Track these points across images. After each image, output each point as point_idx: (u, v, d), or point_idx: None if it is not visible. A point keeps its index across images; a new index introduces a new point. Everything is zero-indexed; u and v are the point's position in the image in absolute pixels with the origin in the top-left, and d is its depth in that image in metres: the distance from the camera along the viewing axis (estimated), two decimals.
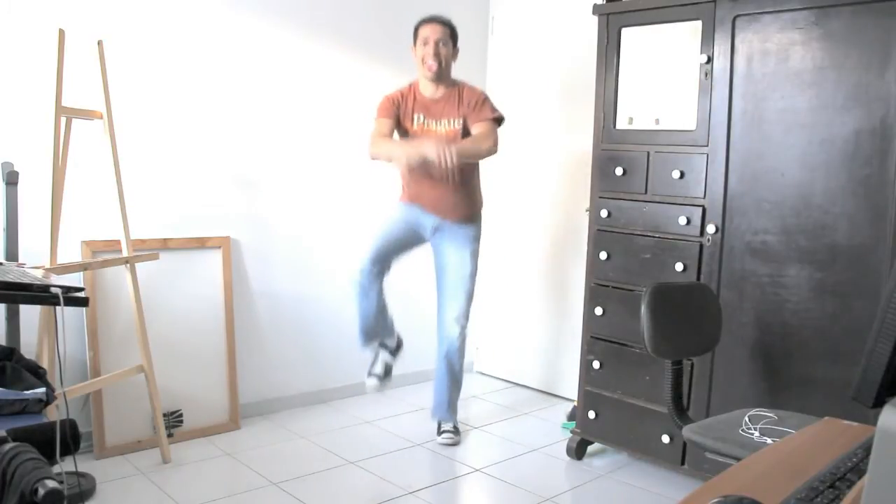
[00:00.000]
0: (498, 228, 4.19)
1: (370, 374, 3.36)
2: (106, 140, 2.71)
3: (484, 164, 4.20)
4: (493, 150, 3.08)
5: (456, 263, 3.20)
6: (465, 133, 3.11)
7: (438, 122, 3.12)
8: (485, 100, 3.14)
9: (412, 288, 3.68)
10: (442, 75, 3.11)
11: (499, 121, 3.13)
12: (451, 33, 3.13)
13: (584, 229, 3.10)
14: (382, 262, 3.16)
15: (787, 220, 2.44)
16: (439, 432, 3.31)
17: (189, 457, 2.97)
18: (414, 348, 3.57)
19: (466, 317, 3.26)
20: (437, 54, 3.06)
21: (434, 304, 3.36)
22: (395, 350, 3.42)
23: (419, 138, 3.05)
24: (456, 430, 3.31)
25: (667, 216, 2.74)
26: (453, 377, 3.30)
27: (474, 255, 3.24)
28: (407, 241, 3.22)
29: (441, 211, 3.16)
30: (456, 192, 3.14)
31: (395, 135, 3.16)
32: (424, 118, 3.12)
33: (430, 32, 3.08)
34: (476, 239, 3.25)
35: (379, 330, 3.30)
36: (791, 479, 1.03)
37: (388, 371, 3.39)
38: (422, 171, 3.02)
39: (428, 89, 3.13)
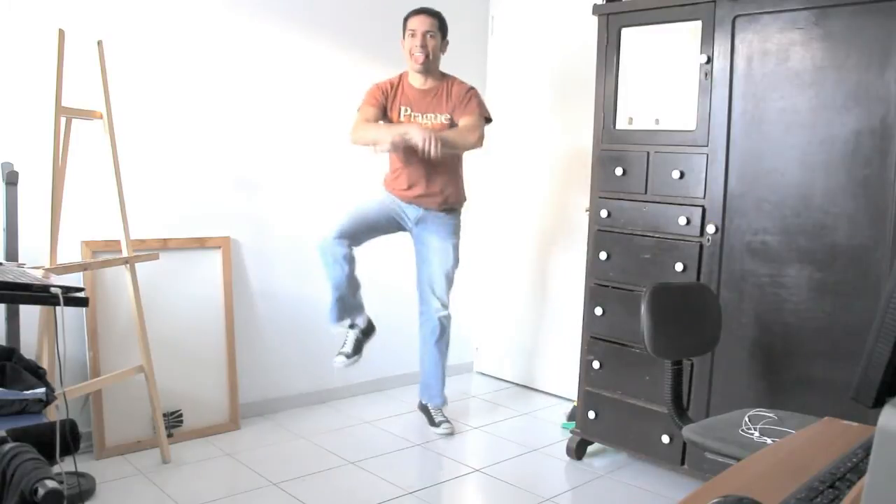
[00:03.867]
0: (498, 228, 4.19)
1: (339, 353, 3.32)
2: (106, 140, 2.71)
3: (483, 165, 4.20)
4: (478, 143, 3.12)
5: (440, 256, 3.25)
6: (452, 126, 3.15)
7: (424, 116, 3.15)
8: (472, 96, 3.17)
9: (408, 288, 3.66)
10: (430, 67, 3.13)
11: (486, 119, 3.18)
12: (440, 25, 3.15)
13: (584, 229, 3.10)
14: (351, 237, 3.17)
15: (787, 220, 2.44)
16: (435, 422, 3.34)
17: (189, 457, 2.97)
18: (413, 349, 3.56)
19: (448, 303, 3.32)
20: (424, 46, 3.08)
21: None
22: (367, 331, 3.40)
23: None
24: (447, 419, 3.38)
25: (667, 216, 2.74)
26: (444, 360, 3.37)
27: (456, 248, 3.29)
28: (380, 224, 3.25)
29: (424, 201, 3.17)
30: (438, 184, 3.18)
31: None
32: (411, 111, 3.14)
33: (418, 24, 3.10)
34: (457, 231, 3.30)
35: (350, 308, 3.28)
36: (791, 479, 1.03)
37: (357, 349, 3.34)
38: (406, 157, 3.06)
39: (416, 80, 3.16)
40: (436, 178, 3.17)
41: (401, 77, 3.20)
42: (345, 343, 3.37)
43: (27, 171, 2.68)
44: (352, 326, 3.35)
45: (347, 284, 3.20)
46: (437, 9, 3.19)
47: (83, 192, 2.87)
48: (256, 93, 3.36)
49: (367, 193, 3.34)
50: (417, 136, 2.89)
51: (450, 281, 3.30)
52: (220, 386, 3.29)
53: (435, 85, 3.17)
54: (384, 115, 3.19)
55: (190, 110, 3.17)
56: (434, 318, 3.30)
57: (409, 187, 3.19)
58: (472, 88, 3.20)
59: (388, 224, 3.26)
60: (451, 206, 3.26)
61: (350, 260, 3.17)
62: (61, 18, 2.73)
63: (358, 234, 3.19)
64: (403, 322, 3.61)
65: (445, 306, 3.31)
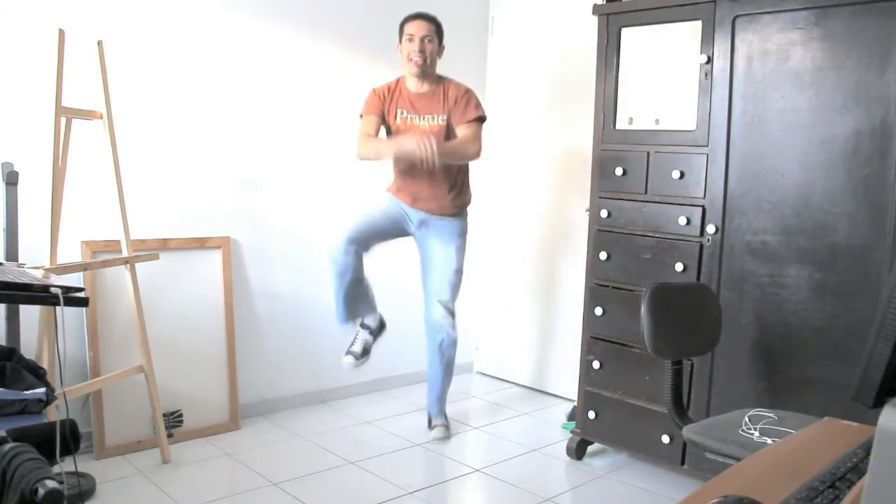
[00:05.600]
0: (497, 228, 4.19)
1: (347, 351, 3.34)
2: (106, 140, 2.71)
3: (483, 165, 4.20)
4: (477, 154, 3.12)
5: (442, 260, 3.22)
6: (449, 129, 3.13)
7: (422, 118, 3.14)
8: (469, 97, 3.15)
9: (410, 288, 3.67)
10: (427, 71, 3.13)
11: (482, 119, 3.16)
12: (437, 30, 3.15)
13: (584, 229, 3.10)
14: (360, 243, 3.17)
15: (787, 220, 2.44)
16: (431, 426, 3.34)
17: (189, 457, 2.97)
18: (413, 349, 3.57)
19: (454, 309, 3.27)
20: (422, 51, 3.08)
21: None
22: (377, 331, 3.40)
23: (402, 134, 3.09)
24: (447, 424, 3.35)
25: (667, 216, 2.74)
26: (448, 370, 3.32)
27: (460, 251, 3.25)
28: (387, 230, 3.24)
29: (427, 205, 3.17)
30: (442, 187, 3.16)
31: (382, 132, 3.19)
32: (407, 113, 3.14)
33: (416, 29, 3.10)
34: (462, 234, 3.27)
35: (358, 309, 3.29)
36: (791, 479, 1.03)
37: (366, 350, 3.36)
38: (408, 166, 3.06)
39: (413, 84, 3.16)
40: (438, 186, 3.15)
41: (398, 81, 3.20)
42: (353, 342, 3.36)
43: (27, 171, 2.68)
44: (363, 326, 3.35)
45: (354, 288, 3.20)
46: (436, 11, 3.20)
47: (83, 192, 2.87)
48: (256, 93, 3.36)
49: (370, 196, 3.34)
50: (412, 145, 2.83)
51: (454, 287, 3.24)
52: (220, 386, 3.29)
53: (431, 88, 3.16)
54: (383, 120, 3.18)
55: (190, 110, 3.17)
56: (437, 327, 3.24)
57: (413, 201, 3.19)
58: (468, 90, 3.19)
59: (395, 229, 3.25)
60: (455, 211, 3.24)
61: (358, 267, 3.17)
62: (61, 18, 2.73)
63: (367, 239, 3.18)
64: (404, 322, 3.61)
65: (451, 313, 3.23)
